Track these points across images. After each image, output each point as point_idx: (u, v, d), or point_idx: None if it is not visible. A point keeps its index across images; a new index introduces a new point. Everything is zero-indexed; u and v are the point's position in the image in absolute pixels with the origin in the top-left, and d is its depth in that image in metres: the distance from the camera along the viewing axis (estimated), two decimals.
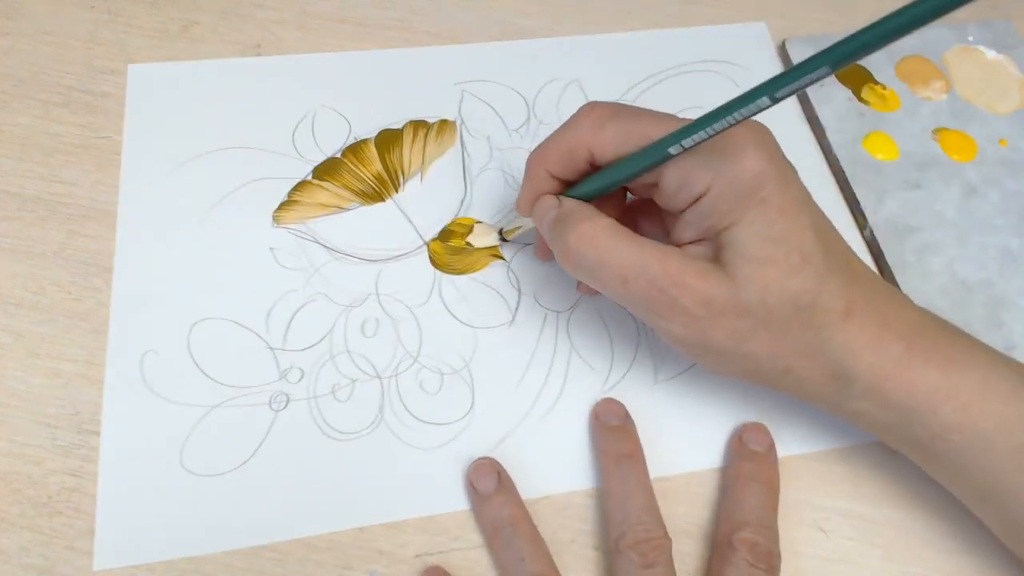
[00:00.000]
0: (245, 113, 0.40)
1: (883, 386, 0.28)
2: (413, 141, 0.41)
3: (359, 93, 0.42)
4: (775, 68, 0.46)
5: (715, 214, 0.27)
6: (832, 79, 0.45)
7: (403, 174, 0.40)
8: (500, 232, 0.37)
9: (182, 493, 0.31)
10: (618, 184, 0.30)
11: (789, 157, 0.41)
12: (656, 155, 0.28)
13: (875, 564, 0.32)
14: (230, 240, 0.37)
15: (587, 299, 0.37)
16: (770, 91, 0.24)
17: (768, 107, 0.24)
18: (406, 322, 0.36)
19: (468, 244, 0.38)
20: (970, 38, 0.47)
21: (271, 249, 0.37)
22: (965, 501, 0.30)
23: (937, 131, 0.44)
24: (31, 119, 0.39)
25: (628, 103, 0.42)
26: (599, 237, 0.28)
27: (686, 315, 0.28)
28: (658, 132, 0.28)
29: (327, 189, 0.39)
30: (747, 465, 0.33)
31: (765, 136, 0.28)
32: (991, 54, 0.47)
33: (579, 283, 0.37)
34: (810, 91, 0.44)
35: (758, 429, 0.34)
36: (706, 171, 0.27)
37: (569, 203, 0.31)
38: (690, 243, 0.29)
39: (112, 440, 0.32)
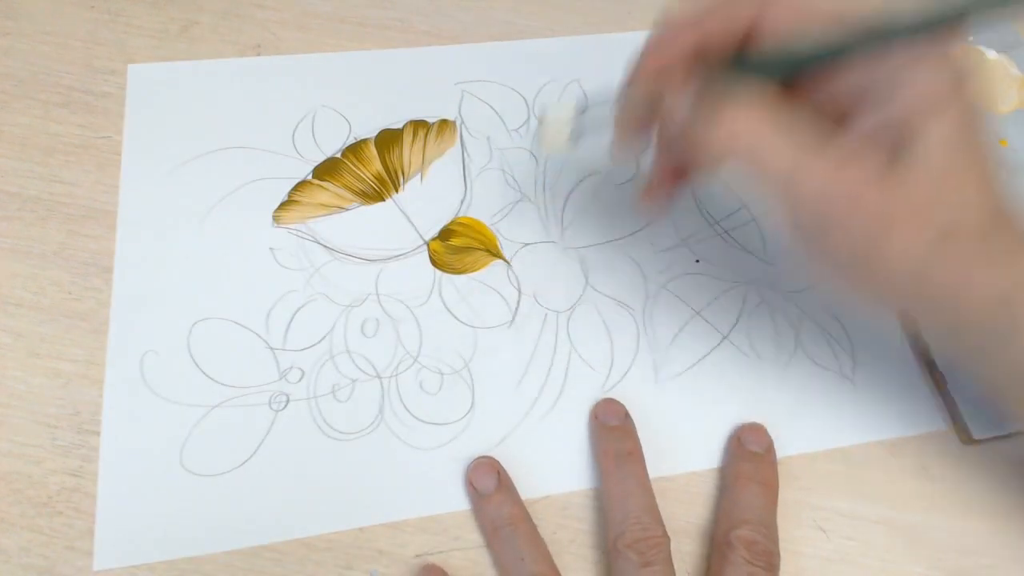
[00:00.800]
0: (245, 113, 0.40)
1: None
2: (413, 141, 0.41)
3: (359, 93, 0.42)
4: None
5: (902, 114, 0.25)
6: None
7: (403, 174, 0.40)
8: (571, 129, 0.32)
9: (182, 493, 0.31)
10: (812, 62, 0.26)
11: None
12: (877, 41, 0.25)
13: (875, 564, 0.32)
14: (230, 240, 0.37)
15: (587, 299, 0.37)
16: None
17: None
18: (406, 322, 0.36)
19: (540, 140, 0.34)
20: (970, 38, 0.47)
21: (271, 249, 0.37)
22: None
23: None
24: (31, 119, 0.39)
25: None
26: (770, 113, 0.25)
27: (855, 227, 0.25)
28: (850, 16, 0.25)
29: (327, 189, 0.39)
30: (746, 466, 0.32)
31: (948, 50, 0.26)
32: (991, 54, 0.47)
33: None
34: None
35: (756, 430, 0.34)
36: (898, 69, 0.25)
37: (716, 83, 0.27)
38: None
39: (112, 440, 0.32)
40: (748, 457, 0.33)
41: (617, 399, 0.34)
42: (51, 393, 0.33)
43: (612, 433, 0.33)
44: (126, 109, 0.40)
